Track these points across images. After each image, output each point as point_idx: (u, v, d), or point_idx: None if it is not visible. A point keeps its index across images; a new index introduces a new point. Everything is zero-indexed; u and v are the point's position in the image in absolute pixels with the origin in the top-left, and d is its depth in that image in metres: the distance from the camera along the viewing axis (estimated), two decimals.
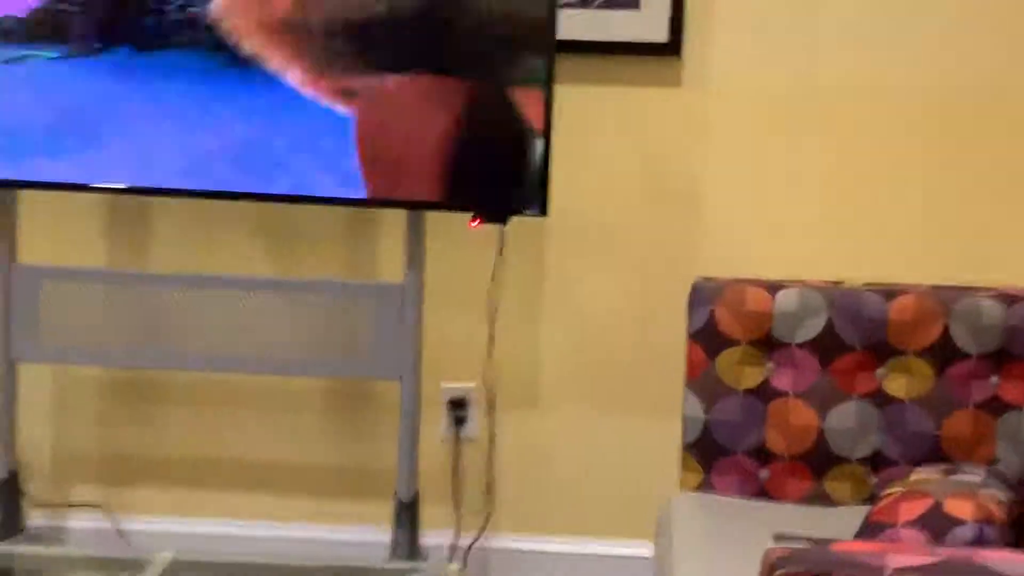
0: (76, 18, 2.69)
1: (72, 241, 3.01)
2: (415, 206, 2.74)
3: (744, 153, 2.95)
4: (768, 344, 2.62)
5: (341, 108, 2.67)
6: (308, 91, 2.66)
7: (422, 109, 2.67)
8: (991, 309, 2.58)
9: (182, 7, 2.66)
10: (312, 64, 2.65)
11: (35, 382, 3.00)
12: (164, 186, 2.72)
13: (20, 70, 2.70)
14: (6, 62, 2.70)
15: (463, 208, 2.72)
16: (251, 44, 2.66)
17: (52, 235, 2.99)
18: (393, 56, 2.66)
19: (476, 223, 2.72)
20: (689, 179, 2.97)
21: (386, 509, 2.89)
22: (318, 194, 2.70)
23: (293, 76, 2.66)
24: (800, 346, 2.61)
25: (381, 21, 2.65)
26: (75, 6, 2.69)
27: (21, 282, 2.82)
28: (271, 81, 2.66)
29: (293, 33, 2.65)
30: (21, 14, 2.69)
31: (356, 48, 2.66)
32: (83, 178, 2.72)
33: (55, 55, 2.70)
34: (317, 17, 2.65)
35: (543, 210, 2.69)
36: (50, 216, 2.98)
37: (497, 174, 2.69)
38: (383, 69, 2.66)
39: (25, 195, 2.85)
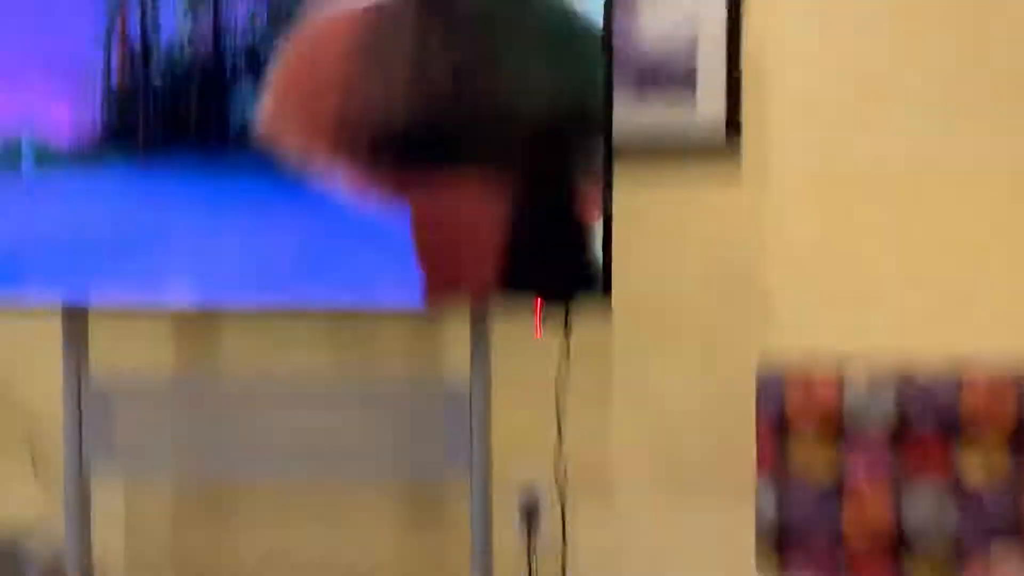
0: (141, 132, 2.73)
1: (142, 354, 3.04)
2: (476, 299, 2.74)
3: (806, 234, 2.94)
4: (839, 430, 2.60)
5: (396, 209, 2.68)
6: (362, 195, 2.68)
7: (477, 204, 2.68)
8: None
9: (242, 117, 2.70)
10: (363, 168, 2.68)
11: (108, 490, 3.02)
12: (230, 297, 2.74)
13: (88, 186, 2.74)
14: (73, 177, 2.74)
15: (523, 298, 2.71)
16: (302, 152, 2.69)
17: (121, 349, 3.01)
18: (444, 154, 2.68)
19: (539, 328, 2.72)
20: (752, 263, 2.96)
21: None
22: (381, 299, 2.72)
23: (346, 180, 2.68)
24: (871, 431, 2.59)
25: (430, 119, 2.67)
26: (140, 121, 2.73)
27: (93, 397, 2.84)
28: (326, 188, 2.69)
29: (341, 138, 2.68)
30: (92, 132, 2.73)
31: (405, 148, 2.68)
32: (151, 292, 2.74)
33: (119, 170, 2.73)
34: (364, 120, 2.67)
35: (605, 293, 2.69)
36: (119, 330, 3.01)
37: (558, 262, 2.70)
38: (435, 168, 2.68)
39: (94, 310, 2.88)
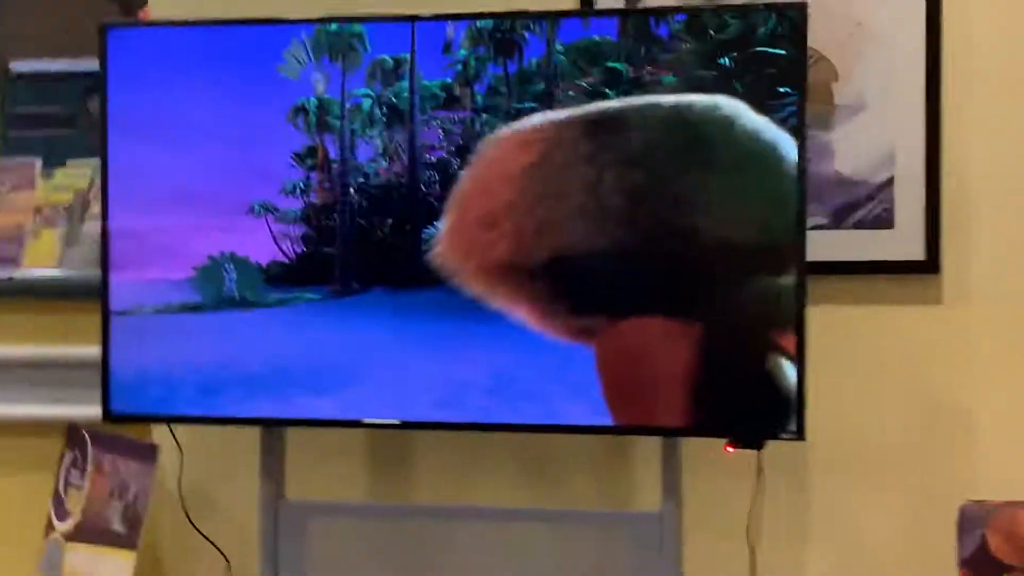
0: (337, 262, 2.80)
1: (336, 476, 3.08)
2: (665, 432, 2.73)
3: (1014, 369, 2.86)
4: None
5: (580, 343, 2.69)
6: (540, 329, 2.70)
7: (663, 344, 2.66)
8: None
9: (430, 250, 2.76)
10: (540, 305, 2.69)
11: None
12: (422, 419, 2.78)
13: (286, 312, 2.82)
14: (274, 304, 2.83)
15: (715, 435, 2.69)
16: (476, 286, 2.72)
17: (317, 471, 3.06)
18: (625, 298, 2.67)
19: (732, 449, 2.69)
20: (956, 396, 2.88)
21: None
22: (569, 423, 2.72)
23: (522, 315, 2.70)
24: None
25: (607, 262, 2.67)
26: (336, 251, 2.80)
27: (288, 519, 2.89)
28: (507, 319, 2.72)
29: (516, 276, 2.70)
30: (288, 260, 2.82)
31: (582, 290, 2.69)
32: (345, 414, 2.80)
33: (318, 296, 2.81)
34: (539, 260, 2.69)
35: (800, 434, 2.64)
36: (314, 452, 3.06)
37: (749, 400, 2.66)
38: (616, 312, 2.67)
39: (290, 432, 2.95)
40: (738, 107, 2.62)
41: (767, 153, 2.62)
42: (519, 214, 2.69)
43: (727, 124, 2.63)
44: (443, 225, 2.74)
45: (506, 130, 2.72)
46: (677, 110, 2.65)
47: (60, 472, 3.10)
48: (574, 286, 2.69)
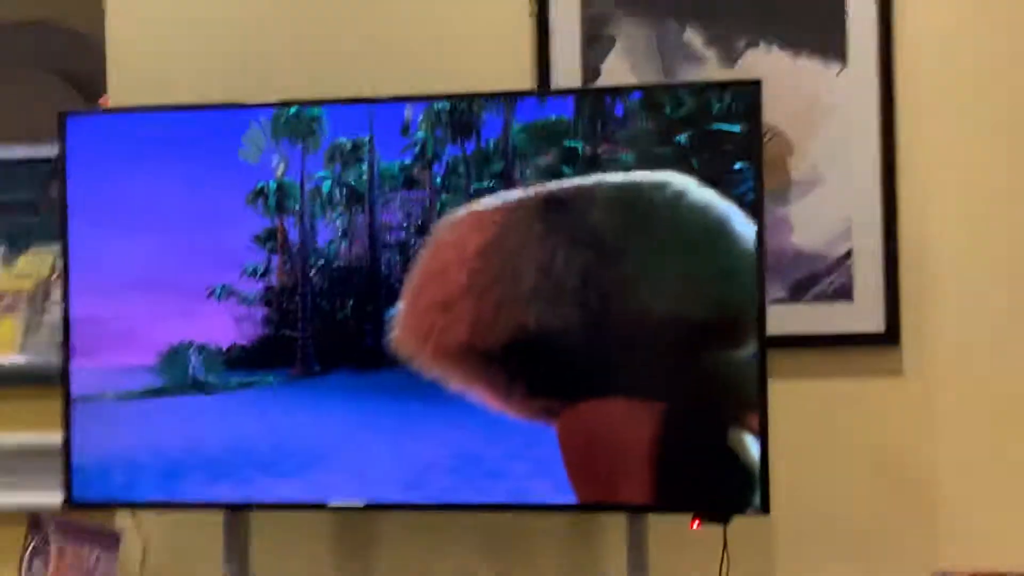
0: (298, 344, 2.80)
1: (302, 558, 3.06)
2: (630, 509, 2.72)
3: (975, 440, 2.86)
4: None
5: (541, 423, 2.69)
6: (501, 410, 2.70)
7: (624, 423, 2.66)
8: None
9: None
10: (498, 387, 2.69)
11: None
12: (386, 500, 2.77)
13: (248, 395, 2.81)
14: (236, 388, 2.82)
15: (680, 510, 2.68)
16: (434, 369, 2.72)
17: (282, 553, 3.04)
18: (583, 380, 2.68)
19: (697, 524, 2.68)
20: (918, 467, 2.88)
21: None
22: (534, 501, 2.71)
23: (481, 397, 2.70)
24: None
25: (563, 343, 2.68)
26: (298, 333, 2.80)
27: None
28: (469, 399, 2.72)
29: (473, 359, 2.70)
30: (249, 343, 2.82)
31: (540, 372, 2.69)
32: (309, 496, 2.79)
33: (280, 379, 2.81)
34: (496, 343, 2.69)
35: (765, 508, 2.64)
36: (279, 535, 3.04)
37: (714, 475, 2.65)
38: (575, 393, 2.68)
39: (255, 515, 2.93)
40: (686, 182, 2.64)
41: (718, 227, 2.63)
42: (474, 296, 2.70)
43: (676, 200, 2.64)
44: (399, 309, 2.75)
45: (460, 212, 2.73)
46: (625, 188, 2.67)
47: (22, 563, 3.07)
48: (532, 368, 2.69)
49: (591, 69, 2.97)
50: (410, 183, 2.76)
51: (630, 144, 2.68)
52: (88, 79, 3.49)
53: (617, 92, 2.72)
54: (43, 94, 3.56)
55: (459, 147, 2.74)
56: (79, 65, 3.54)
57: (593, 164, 2.68)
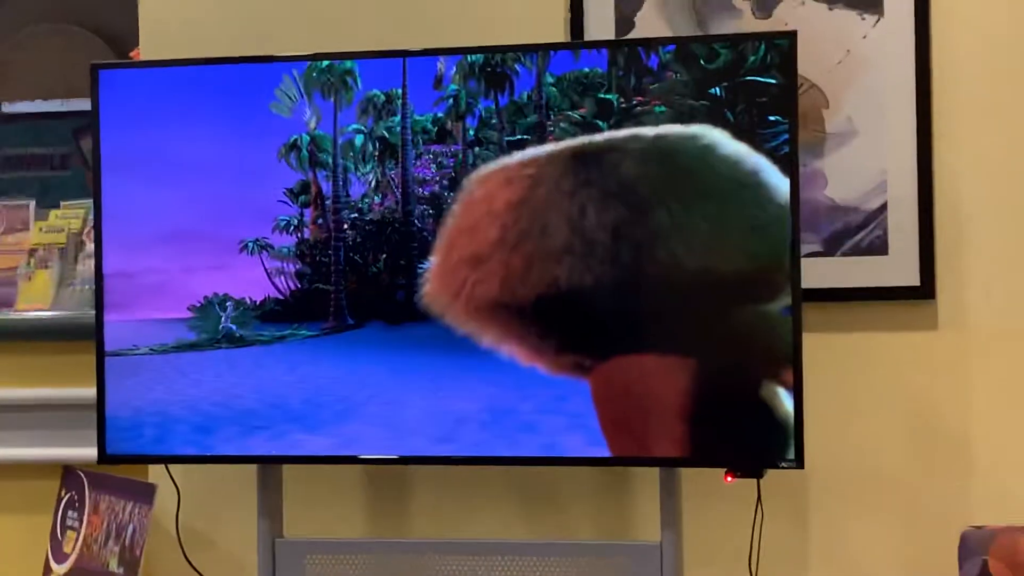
0: (331, 297, 2.80)
1: (333, 512, 3.07)
2: (663, 463, 2.72)
3: (1010, 393, 2.85)
4: None
5: (575, 378, 2.69)
6: (533, 365, 2.70)
7: (658, 378, 2.65)
8: None
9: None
10: (529, 343, 2.69)
11: None
12: (418, 454, 2.77)
13: (281, 349, 2.82)
14: (269, 342, 2.82)
15: (714, 464, 2.68)
16: (465, 324, 2.71)
17: (313, 507, 3.05)
18: (616, 335, 2.67)
19: (731, 478, 2.68)
20: (953, 423, 2.87)
21: None
22: (567, 454, 2.71)
23: (512, 352, 2.70)
24: None
25: (595, 299, 2.67)
26: (331, 287, 2.80)
27: (286, 556, 2.88)
28: (499, 355, 2.71)
29: (504, 314, 2.69)
30: (282, 296, 2.82)
31: (572, 328, 2.68)
32: (342, 450, 2.79)
33: (312, 332, 2.81)
34: (527, 298, 2.68)
35: (799, 462, 2.63)
36: (311, 488, 3.05)
37: (748, 429, 2.65)
38: (607, 349, 2.67)
39: (287, 468, 2.93)
40: (718, 135, 2.63)
41: (752, 180, 2.62)
42: (506, 251, 2.69)
43: (708, 152, 2.63)
44: (431, 263, 2.74)
45: (491, 166, 2.72)
46: (656, 141, 2.65)
47: (57, 514, 3.09)
48: (563, 324, 2.69)
49: (624, 20, 2.95)
50: (443, 136, 2.75)
51: (664, 97, 2.66)
52: (119, 34, 3.50)
53: (651, 44, 2.70)
54: (73, 49, 3.56)
55: (492, 100, 2.73)
56: (110, 19, 3.54)
57: (627, 117, 2.67)
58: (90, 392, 2.90)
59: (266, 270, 2.81)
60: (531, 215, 2.68)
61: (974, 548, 2.54)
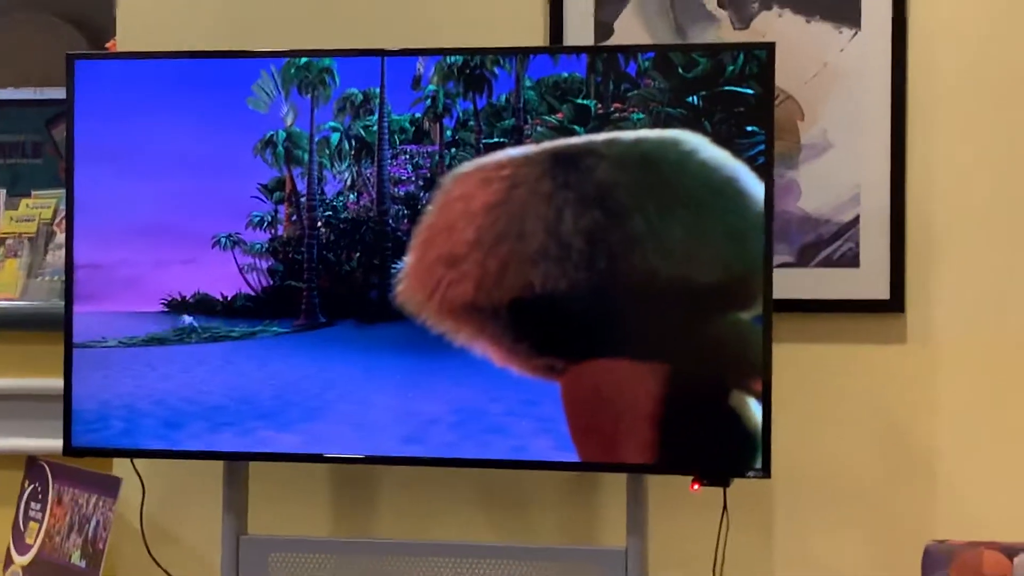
0: (303, 295, 2.79)
1: (298, 510, 3.06)
2: (631, 469, 2.72)
3: (976, 408, 2.87)
4: None
5: (546, 380, 2.69)
6: (506, 366, 2.70)
7: (628, 383, 2.66)
8: None
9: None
10: (503, 344, 2.69)
11: None
12: (386, 454, 2.77)
13: (250, 345, 2.81)
14: (238, 337, 2.81)
15: (681, 472, 2.69)
16: (439, 324, 2.71)
17: (279, 505, 3.04)
18: (588, 339, 2.67)
19: (697, 487, 2.69)
20: (920, 436, 2.89)
21: None
22: (535, 458, 2.71)
23: (486, 353, 2.70)
24: None
25: (569, 303, 2.67)
26: (303, 284, 2.79)
27: (249, 553, 2.87)
28: (473, 354, 2.71)
29: (478, 315, 2.69)
30: (253, 292, 2.81)
31: (545, 330, 2.69)
32: (309, 448, 2.78)
33: (283, 329, 2.80)
34: (501, 300, 2.68)
35: (766, 472, 2.64)
36: (277, 486, 3.04)
37: (715, 437, 2.66)
38: (579, 353, 2.67)
39: (253, 465, 2.92)
40: (697, 140, 2.64)
41: (727, 187, 2.63)
42: (481, 252, 2.69)
43: (685, 158, 2.63)
44: (406, 263, 2.74)
45: (467, 166, 2.72)
46: (636, 145, 2.66)
47: (20, 505, 3.07)
48: (537, 326, 2.69)
49: (604, 25, 2.96)
50: (420, 136, 2.75)
51: (642, 104, 2.67)
52: (95, 24, 3.48)
53: (630, 51, 2.71)
54: (49, 38, 3.54)
55: (470, 102, 2.73)
56: (87, 9, 3.53)
57: (605, 123, 2.67)
58: (57, 383, 2.88)
59: (238, 266, 2.80)
60: (508, 218, 2.68)
61: (937, 562, 2.55)
